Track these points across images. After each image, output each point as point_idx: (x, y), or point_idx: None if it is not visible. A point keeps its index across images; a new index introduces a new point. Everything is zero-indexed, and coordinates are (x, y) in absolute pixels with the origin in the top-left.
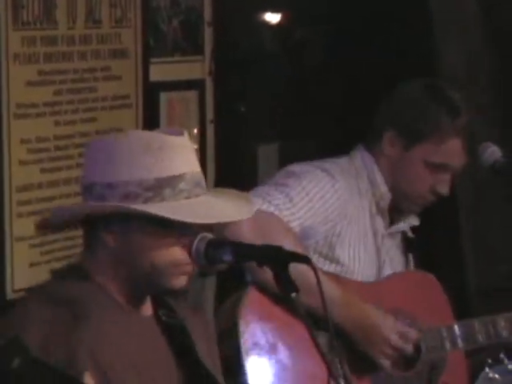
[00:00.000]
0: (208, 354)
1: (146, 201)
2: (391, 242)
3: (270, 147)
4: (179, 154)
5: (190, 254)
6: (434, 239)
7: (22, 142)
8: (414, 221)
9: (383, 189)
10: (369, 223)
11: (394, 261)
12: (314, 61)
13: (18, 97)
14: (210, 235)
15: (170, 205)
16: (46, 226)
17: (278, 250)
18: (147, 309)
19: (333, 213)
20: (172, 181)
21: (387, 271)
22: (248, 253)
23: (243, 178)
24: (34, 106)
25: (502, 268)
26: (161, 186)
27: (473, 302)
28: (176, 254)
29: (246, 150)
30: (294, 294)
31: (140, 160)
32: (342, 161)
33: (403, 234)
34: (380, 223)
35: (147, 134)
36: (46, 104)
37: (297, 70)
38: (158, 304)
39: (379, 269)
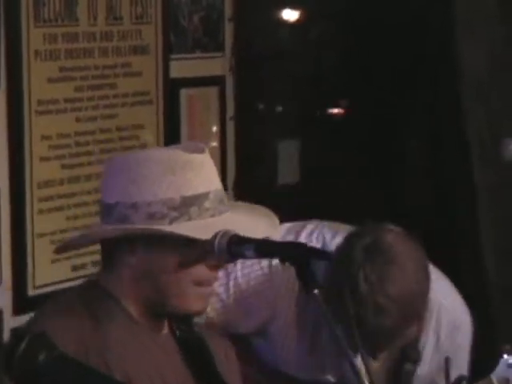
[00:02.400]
0: (227, 369)
1: (172, 221)
2: None
3: (290, 143)
4: (202, 172)
5: (212, 247)
6: (454, 240)
7: (43, 138)
8: None
9: None
10: None
11: None
12: (330, 58)
13: (39, 93)
14: (231, 231)
15: (197, 224)
16: (66, 249)
17: (300, 246)
18: (164, 326)
19: None
20: (197, 199)
21: None
22: (270, 249)
23: (264, 175)
24: (54, 102)
25: None
26: (186, 205)
27: (493, 299)
28: (201, 273)
29: (266, 147)
30: (316, 291)
31: (164, 179)
32: None
33: None
34: None
35: (170, 152)
36: (66, 100)
37: (315, 66)
38: (173, 320)
39: None
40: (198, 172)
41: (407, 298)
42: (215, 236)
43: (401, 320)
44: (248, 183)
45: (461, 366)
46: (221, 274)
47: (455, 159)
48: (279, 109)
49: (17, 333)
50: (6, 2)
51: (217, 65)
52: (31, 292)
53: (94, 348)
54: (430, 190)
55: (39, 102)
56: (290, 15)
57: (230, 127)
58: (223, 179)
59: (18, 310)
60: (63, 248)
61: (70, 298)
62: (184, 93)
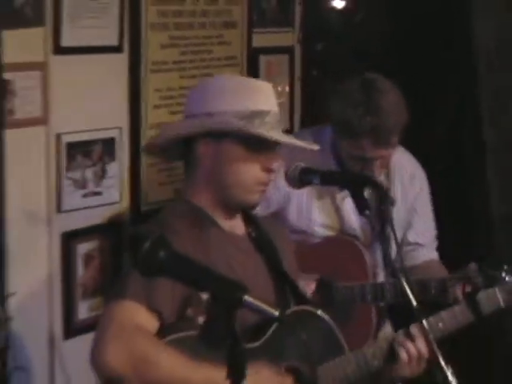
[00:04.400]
0: (291, 264)
1: (253, 127)
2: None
3: None
4: (266, 95)
5: (286, 176)
6: (463, 173)
7: (156, 90)
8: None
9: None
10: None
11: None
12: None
13: (153, 56)
14: (301, 164)
15: (267, 132)
16: (152, 148)
17: (357, 175)
18: (240, 228)
19: None
20: (261, 114)
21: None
22: (333, 179)
23: (321, 120)
24: (165, 63)
25: None
26: (252, 117)
27: (495, 227)
28: (259, 174)
29: (324, 102)
30: (367, 212)
31: (236, 96)
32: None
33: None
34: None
35: (241, 77)
36: (174, 62)
37: (359, 44)
38: (247, 223)
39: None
40: (263, 94)
41: (395, 111)
42: (288, 168)
43: (389, 127)
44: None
45: (425, 210)
46: None
47: (468, 121)
48: (332, 73)
49: (139, 235)
50: None
51: (288, 37)
52: (143, 207)
53: (200, 249)
54: (447, 144)
55: (153, 63)
56: (341, 3)
57: (297, 86)
58: (291, 125)
59: (134, 221)
60: (149, 147)
61: (171, 212)
62: (263, 58)
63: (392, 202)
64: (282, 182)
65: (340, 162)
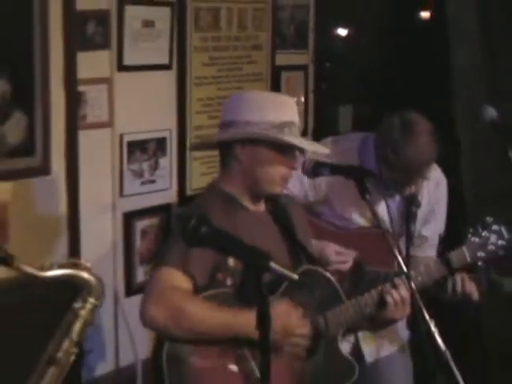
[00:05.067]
0: (304, 232)
1: (283, 135)
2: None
3: (346, 108)
4: (291, 108)
5: (303, 168)
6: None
7: (198, 100)
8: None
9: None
10: None
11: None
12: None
13: (196, 72)
14: (315, 158)
15: (295, 140)
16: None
17: (359, 168)
18: (261, 206)
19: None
20: (289, 124)
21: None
22: (339, 170)
23: (332, 127)
24: (205, 78)
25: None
26: (282, 126)
27: (470, 210)
28: (284, 171)
29: (331, 110)
30: (367, 196)
31: (269, 108)
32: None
33: None
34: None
35: (269, 92)
36: (212, 77)
37: (361, 66)
38: (266, 200)
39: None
40: (289, 107)
41: (427, 150)
42: (305, 161)
43: (421, 164)
44: (324, 133)
45: (441, 212)
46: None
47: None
48: (340, 86)
49: (184, 214)
50: (178, 16)
51: (304, 58)
52: (188, 193)
53: (229, 226)
54: None
55: (196, 78)
56: (344, 31)
57: (311, 97)
58: (305, 129)
59: (181, 203)
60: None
61: (207, 197)
62: (283, 74)
63: (418, 205)
64: (323, 184)
65: (379, 166)
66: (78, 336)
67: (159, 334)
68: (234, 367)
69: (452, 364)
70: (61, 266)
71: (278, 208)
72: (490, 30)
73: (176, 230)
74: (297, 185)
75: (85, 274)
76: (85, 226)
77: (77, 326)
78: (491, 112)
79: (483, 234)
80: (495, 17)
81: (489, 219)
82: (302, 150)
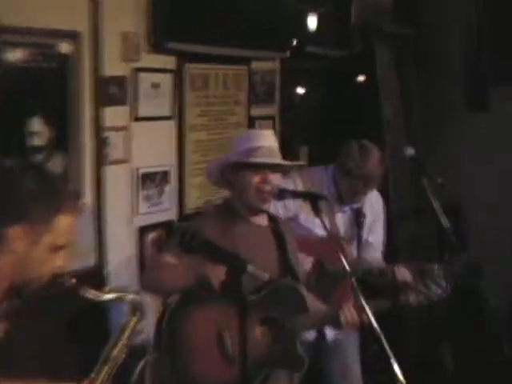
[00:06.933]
0: (293, 249)
1: (248, 157)
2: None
3: (304, 148)
4: (264, 137)
5: (267, 185)
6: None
7: (193, 142)
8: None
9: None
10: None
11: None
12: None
13: (190, 121)
14: (281, 185)
15: (255, 159)
16: (208, 177)
17: (313, 193)
18: (264, 221)
19: None
20: (258, 148)
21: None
22: (298, 194)
23: (292, 155)
24: (198, 125)
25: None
26: (253, 150)
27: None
28: (256, 183)
29: (293, 149)
30: (321, 214)
31: (247, 139)
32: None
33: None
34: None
35: (254, 130)
36: (202, 125)
37: (313, 112)
38: (269, 219)
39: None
40: (262, 136)
41: (378, 165)
42: (272, 188)
43: (375, 175)
44: None
45: (381, 222)
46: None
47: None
48: (303, 135)
49: (180, 229)
50: (178, 80)
51: (272, 109)
52: (185, 212)
53: (228, 232)
54: None
55: (190, 126)
56: (302, 90)
57: (278, 138)
58: None
59: (179, 219)
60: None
61: (213, 207)
62: (257, 122)
63: (364, 216)
64: (291, 204)
65: (337, 189)
66: (128, 340)
67: (150, 293)
68: (214, 340)
69: (385, 344)
70: (113, 291)
71: (278, 226)
72: (406, 84)
73: (174, 240)
74: (287, 213)
75: (132, 296)
76: (109, 238)
77: (126, 333)
78: (410, 151)
79: (427, 282)
80: (409, 72)
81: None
82: (267, 165)
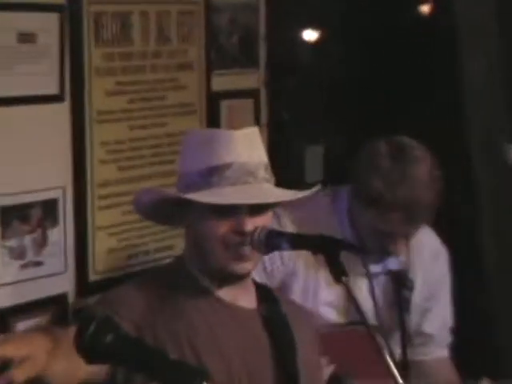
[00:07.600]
0: (307, 352)
1: (199, 189)
2: None
3: (316, 148)
4: (231, 145)
5: (251, 241)
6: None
7: (102, 144)
8: None
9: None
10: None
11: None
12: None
13: (98, 105)
14: (268, 227)
15: (213, 191)
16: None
17: (330, 239)
18: (250, 302)
19: None
20: (219, 169)
21: None
22: (303, 242)
23: (291, 175)
24: (111, 112)
25: None
26: (210, 174)
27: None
28: (228, 237)
29: (294, 151)
30: (344, 278)
31: (197, 152)
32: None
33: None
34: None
35: (202, 130)
36: (122, 111)
37: (331, 78)
38: (261, 298)
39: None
40: (223, 146)
41: (430, 185)
42: (254, 231)
43: (421, 201)
44: (277, 183)
45: (446, 296)
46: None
47: (457, 163)
48: (306, 117)
49: (85, 315)
50: (70, 25)
51: (252, 79)
52: (92, 277)
53: (162, 318)
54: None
55: (98, 113)
56: (311, 35)
57: (264, 133)
58: None
59: (80, 293)
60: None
61: (156, 272)
62: (224, 104)
63: (411, 286)
64: (287, 255)
65: (356, 231)
66: None
67: None
68: None
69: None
70: None
71: (278, 314)
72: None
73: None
74: (280, 267)
75: None
76: None
77: None
78: None
79: None
80: None
81: None
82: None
